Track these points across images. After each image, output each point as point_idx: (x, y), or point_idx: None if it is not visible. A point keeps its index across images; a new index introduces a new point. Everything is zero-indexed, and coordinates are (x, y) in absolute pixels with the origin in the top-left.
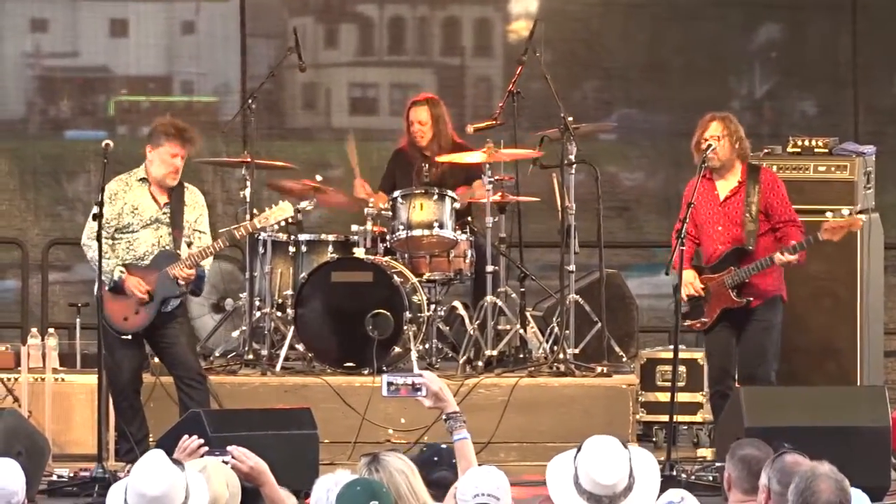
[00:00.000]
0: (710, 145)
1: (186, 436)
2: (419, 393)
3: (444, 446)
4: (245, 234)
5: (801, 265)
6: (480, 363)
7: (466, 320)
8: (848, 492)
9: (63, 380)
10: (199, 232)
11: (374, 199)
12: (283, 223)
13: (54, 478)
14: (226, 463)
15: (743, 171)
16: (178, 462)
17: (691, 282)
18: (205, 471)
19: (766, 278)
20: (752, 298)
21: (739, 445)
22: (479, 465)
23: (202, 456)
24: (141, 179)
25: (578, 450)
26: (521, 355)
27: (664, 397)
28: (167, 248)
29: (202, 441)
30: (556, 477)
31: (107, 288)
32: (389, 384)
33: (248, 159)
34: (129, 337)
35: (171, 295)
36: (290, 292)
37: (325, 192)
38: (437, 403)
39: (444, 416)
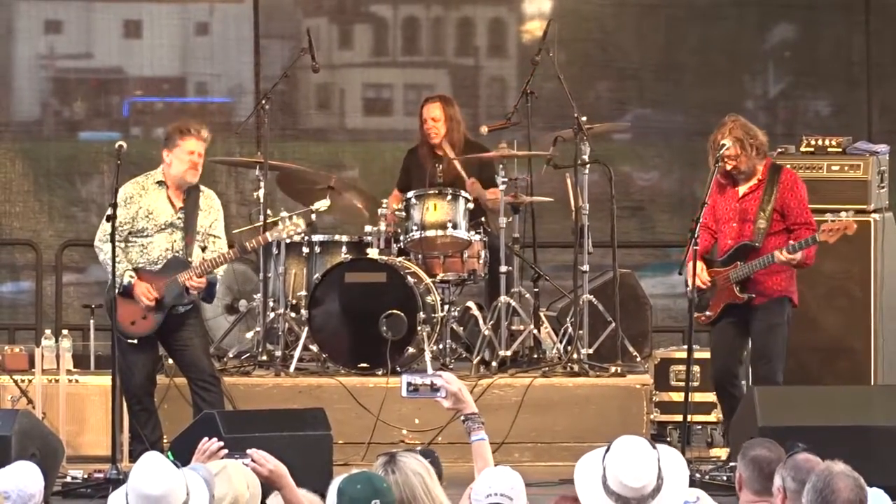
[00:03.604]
0: (724, 144)
1: (206, 438)
2: (438, 394)
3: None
4: (256, 247)
5: (808, 265)
6: (494, 363)
7: (480, 321)
8: (865, 490)
9: (77, 381)
10: (214, 236)
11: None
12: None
13: (68, 479)
14: (245, 465)
15: (765, 169)
16: (176, 463)
17: (698, 273)
18: (225, 470)
19: (774, 277)
20: (754, 296)
21: (751, 446)
22: (494, 465)
23: (221, 458)
24: (158, 182)
25: (607, 449)
26: (535, 355)
27: (678, 397)
28: (179, 253)
29: (221, 444)
30: (584, 477)
31: (116, 292)
32: (409, 384)
33: (262, 160)
34: (136, 341)
35: (179, 303)
36: (303, 293)
37: (340, 192)
38: (456, 404)
39: (462, 417)
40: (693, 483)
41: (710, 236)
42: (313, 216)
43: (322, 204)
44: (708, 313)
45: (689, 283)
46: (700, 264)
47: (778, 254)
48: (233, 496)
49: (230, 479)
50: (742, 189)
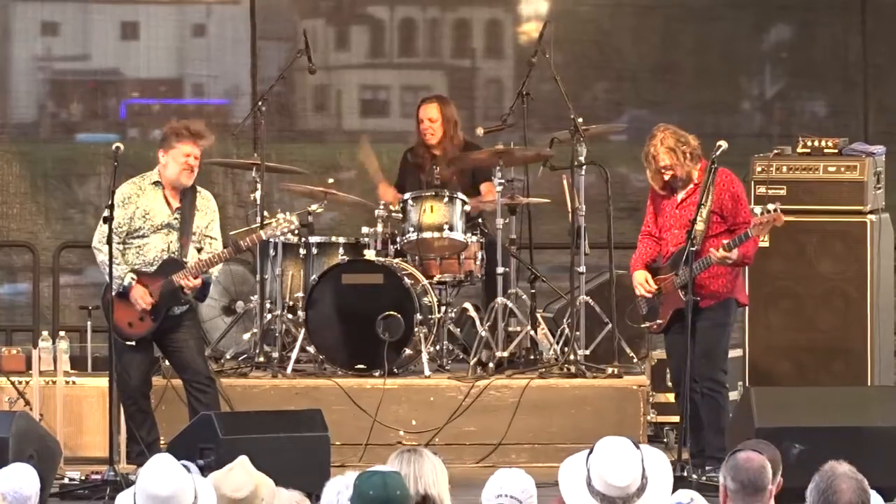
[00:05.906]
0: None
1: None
2: None
3: None
4: (251, 245)
5: (748, 264)
6: (491, 365)
7: (477, 322)
8: (868, 491)
9: (74, 383)
10: (210, 238)
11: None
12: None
13: (66, 481)
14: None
15: (700, 171)
16: (185, 465)
17: (642, 283)
18: (240, 462)
19: (718, 280)
20: (699, 299)
21: (742, 447)
22: (490, 467)
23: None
24: (154, 183)
25: (591, 451)
26: (532, 357)
27: (675, 398)
28: (175, 254)
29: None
30: (568, 478)
31: (114, 293)
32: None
33: (259, 162)
34: (133, 343)
35: (174, 304)
36: (300, 294)
37: (337, 196)
38: None
39: None
40: (689, 484)
41: (655, 243)
42: (310, 217)
43: (319, 205)
44: (658, 321)
45: (636, 289)
46: (644, 273)
47: (713, 252)
48: (252, 486)
49: (246, 469)
50: (680, 195)
